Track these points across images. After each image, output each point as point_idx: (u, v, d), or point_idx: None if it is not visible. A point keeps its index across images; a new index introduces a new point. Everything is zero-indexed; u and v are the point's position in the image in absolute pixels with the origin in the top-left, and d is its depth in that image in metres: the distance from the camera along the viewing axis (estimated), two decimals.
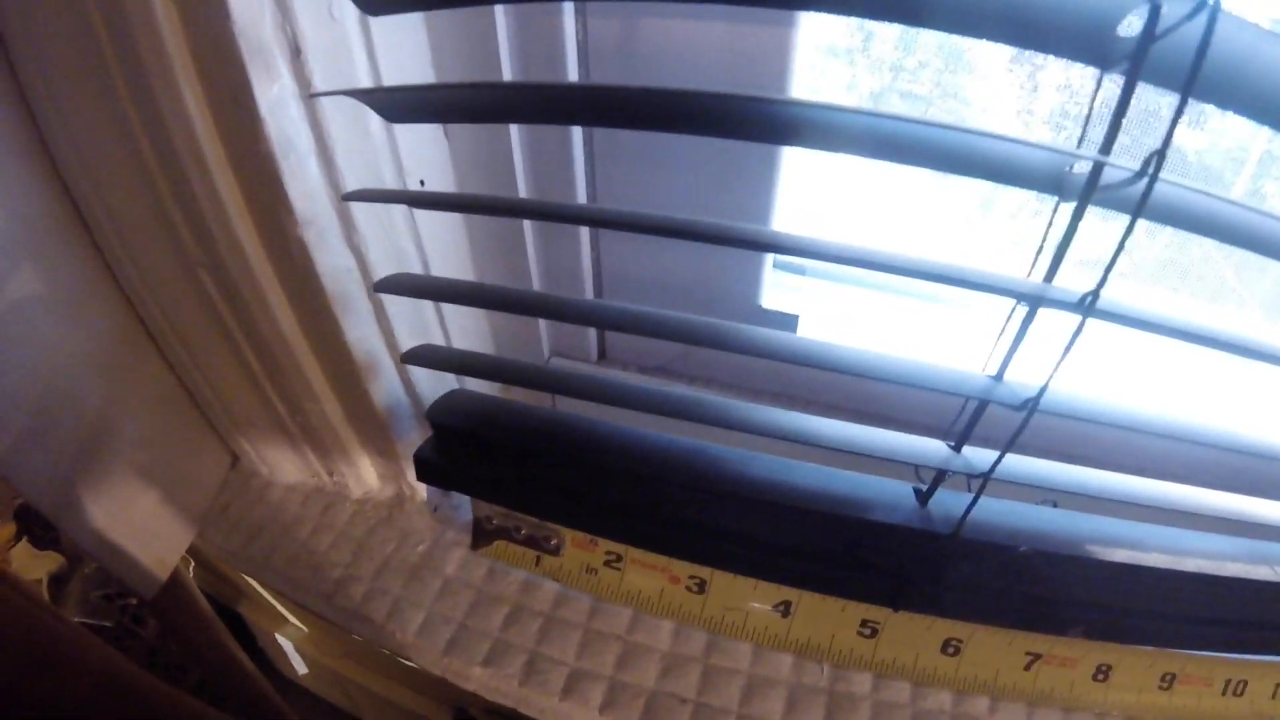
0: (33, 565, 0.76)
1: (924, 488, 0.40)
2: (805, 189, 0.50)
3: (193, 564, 0.67)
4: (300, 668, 0.80)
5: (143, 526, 0.48)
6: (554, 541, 0.46)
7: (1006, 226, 0.67)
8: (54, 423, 0.43)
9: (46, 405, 0.42)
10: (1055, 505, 0.43)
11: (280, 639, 0.75)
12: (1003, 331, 0.35)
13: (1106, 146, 0.29)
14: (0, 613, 0.39)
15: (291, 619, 0.73)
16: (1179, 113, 0.27)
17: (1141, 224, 0.29)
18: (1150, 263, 0.67)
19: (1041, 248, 0.34)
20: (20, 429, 0.41)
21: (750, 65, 0.38)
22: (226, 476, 0.55)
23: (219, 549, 0.52)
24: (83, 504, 0.44)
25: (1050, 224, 0.34)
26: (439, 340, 0.48)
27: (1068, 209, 0.31)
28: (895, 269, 0.31)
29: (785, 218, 0.46)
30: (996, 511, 0.40)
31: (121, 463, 0.47)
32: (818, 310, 0.50)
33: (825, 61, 0.68)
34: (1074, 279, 0.32)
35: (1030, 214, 0.66)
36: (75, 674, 0.41)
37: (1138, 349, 0.53)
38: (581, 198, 0.45)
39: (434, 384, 0.48)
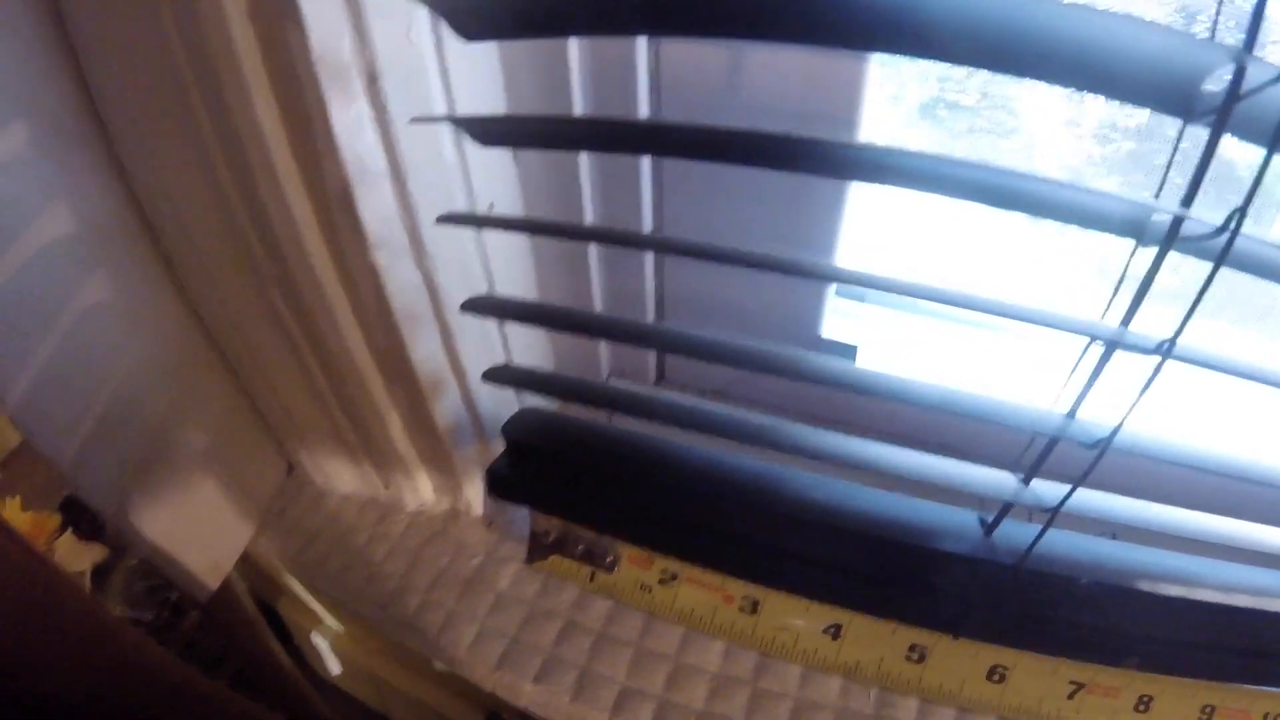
0: (77, 556, 0.78)
1: (989, 518, 0.41)
2: (871, 200, 0.50)
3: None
4: (335, 667, 0.82)
5: (200, 531, 0.50)
6: (609, 558, 0.47)
7: (1055, 237, 0.67)
8: (120, 428, 0.44)
9: (113, 411, 0.44)
10: (1115, 537, 0.44)
11: (317, 638, 0.77)
12: (1075, 368, 0.36)
13: (1189, 199, 0.29)
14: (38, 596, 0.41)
15: (328, 619, 0.75)
16: (1263, 169, 0.28)
17: None
18: (1194, 281, 0.67)
19: (1119, 287, 0.35)
20: (87, 433, 0.43)
21: (823, 93, 0.39)
22: (282, 484, 0.57)
23: (275, 553, 0.53)
24: (144, 508, 0.47)
25: (1128, 265, 0.34)
26: (501, 358, 0.49)
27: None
28: (974, 306, 0.32)
29: (851, 230, 0.47)
30: (1059, 543, 0.41)
31: (183, 468, 0.49)
32: (877, 337, 0.51)
33: (871, 71, 0.68)
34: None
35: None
36: (111, 663, 0.42)
37: (1207, 382, 0.53)
38: (648, 222, 0.46)
39: (495, 402, 0.49)
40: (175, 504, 0.48)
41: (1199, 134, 0.28)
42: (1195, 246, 0.30)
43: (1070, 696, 0.43)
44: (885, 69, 0.67)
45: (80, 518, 0.79)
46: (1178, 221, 0.30)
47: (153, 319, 0.46)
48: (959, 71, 0.67)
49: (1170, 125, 0.66)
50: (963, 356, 0.53)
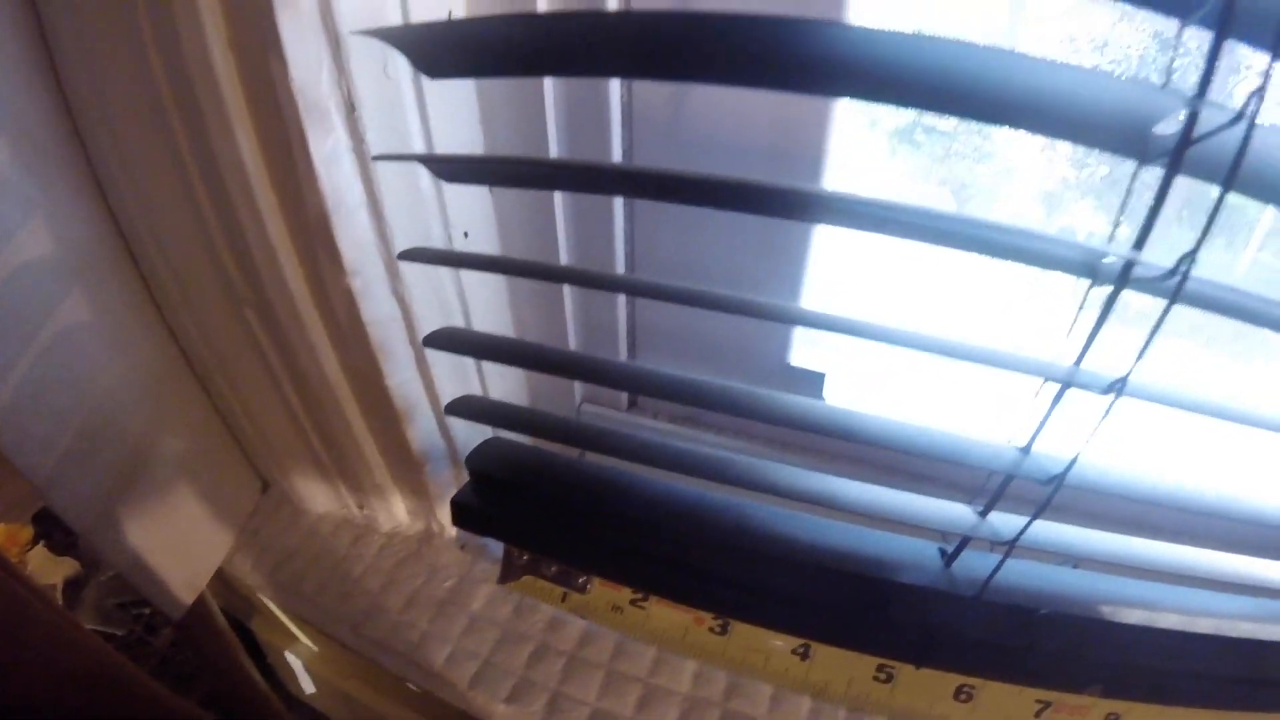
0: (49, 570, 0.79)
1: (949, 549, 0.42)
2: (837, 237, 0.51)
3: None
4: (308, 687, 0.82)
5: (175, 549, 0.51)
6: (582, 579, 0.48)
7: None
8: (97, 445, 0.45)
9: (90, 428, 0.45)
10: (1075, 566, 0.45)
11: (290, 657, 0.77)
12: (1032, 402, 0.37)
13: (1140, 242, 0.31)
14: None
15: (302, 638, 0.75)
16: (1215, 212, 0.30)
17: None
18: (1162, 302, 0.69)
19: (1077, 318, 0.36)
20: (65, 449, 0.43)
21: (791, 133, 0.40)
22: (257, 502, 0.58)
23: (248, 573, 0.54)
24: (119, 526, 0.47)
25: (1083, 305, 0.36)
26: (475, 385, 0.50)
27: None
28: (931, 349, 0.33)
29: (817, 269, 0.48)
30: (1019, 573, 0.42)
31: (158, 487, 0.49)
32: (845, 364, 0.52)
33: (843, 101, 0.70)
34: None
35: None
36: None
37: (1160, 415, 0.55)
38: (620, 255, 0.48)
39: (469, 428, 0.50)
40: (151, 520, 0.49)
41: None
42: (1147, 287, 0.31)
43: (1037, 715, 0.44)
44: None
45: (54, 530, 0.79)
46: (1128, 265, 0.31)
47: (130, 338, 0.47)
48: None
49: None
50: (929, 380, 0.55)
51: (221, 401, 0.52)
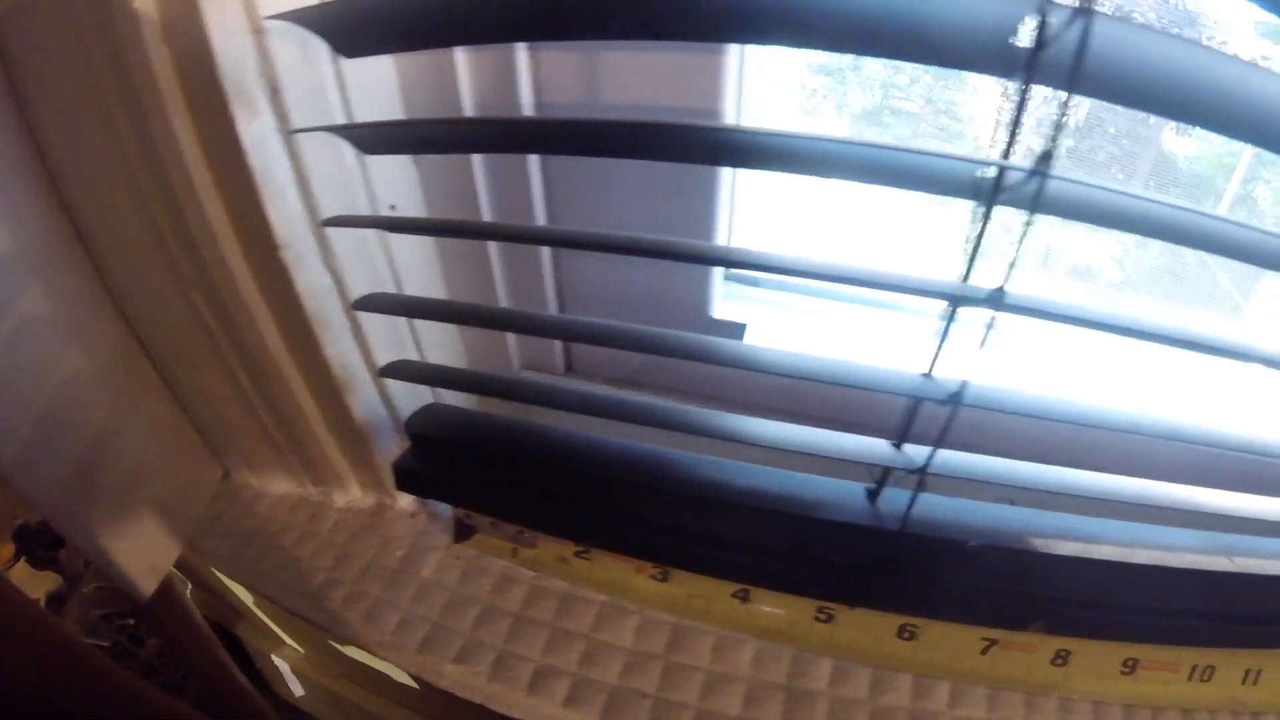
0: (31, 585, 0.82)
1: (874, 486, 0.43)
2: (752, 189, 0.54)
3: (190, 585, 0.71)
4: (297, 689, 0.84)
5: (138, 533, 0.53)
6: (528, 535, 0.51)
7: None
8: (58, 431, 0.47)
9: (51, 414, 0.47)
10: (1012, 503, 0.46)
11: (276, 660, 0.79)
12: (939, 331, 0.39)
13: (1006, 151, 0.33)
14: None
15: (288, 640, 0.77)
16: (1064, 111, 0.31)
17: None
18: (1145, 270, 0.71)
19: (975, 250, 0.38)
20: (26, 435, 0.46)
21: (686, 87, 0.43)
22: (218, 488, 0.60)
23: (212, 556, 0.56)
24: (83, 509, 0.49)
25: (982, 231, 0.38)
26: (414, 355, 0.52)
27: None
28: (823, 275, 0.35)
29: (732, 222, 0.50)
30: (946, 508, 0.43)
31: (120, 472, 0.51)
32: (766, 318, 0.54)
33: (816, 80, 0.72)
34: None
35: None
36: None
37: (1102, 349, 0.56)
38: (540, 216, 0.50)
39: (411, 398, 0.52)
40: (114, 506, 0.51)
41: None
42: (1018, 196, 0.33)
43: (984, 652, 0.45)
44: (829, 78, 0.71)
45: (35, 546, 0.82)
46: (1001, 172, 0.33)
47: (88, 329, 0.50)
48: (902, 79, 0.72)
49: (1110, 122, 0.70)
50: (846, 332, 0.57)
51: (179, 389, 0.55)
